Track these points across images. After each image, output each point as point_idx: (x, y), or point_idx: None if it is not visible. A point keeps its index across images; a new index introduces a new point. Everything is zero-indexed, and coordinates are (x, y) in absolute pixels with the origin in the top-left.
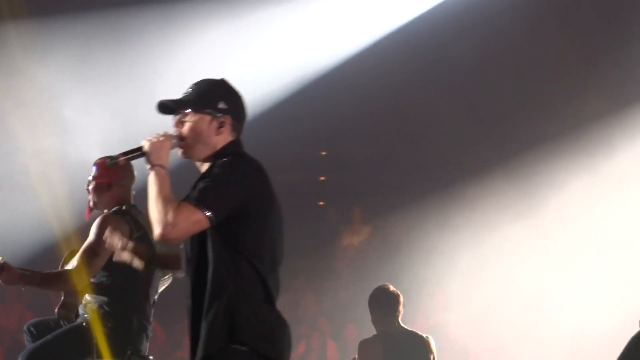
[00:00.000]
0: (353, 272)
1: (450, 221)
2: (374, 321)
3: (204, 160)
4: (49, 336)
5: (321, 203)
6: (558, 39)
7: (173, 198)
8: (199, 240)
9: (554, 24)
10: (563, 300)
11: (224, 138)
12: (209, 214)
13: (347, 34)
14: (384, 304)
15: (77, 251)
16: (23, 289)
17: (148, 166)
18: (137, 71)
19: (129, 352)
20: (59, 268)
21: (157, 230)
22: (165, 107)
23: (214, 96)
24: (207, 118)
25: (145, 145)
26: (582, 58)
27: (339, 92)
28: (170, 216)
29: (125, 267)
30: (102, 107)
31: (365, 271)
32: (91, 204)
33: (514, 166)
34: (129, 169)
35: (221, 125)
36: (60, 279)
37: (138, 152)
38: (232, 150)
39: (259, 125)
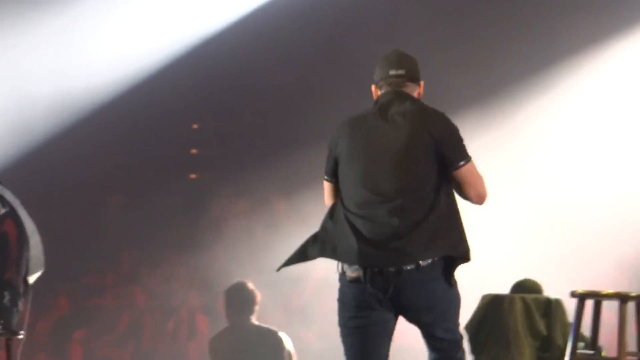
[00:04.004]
0: (226, 244)
1: None
2: (229, 317)
3: None
4: None
5: (193, 176)
6: None
7: None
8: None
9: None
10: None
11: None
12: None
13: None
14: (240, 302)
15: None
16: None
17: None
18: None
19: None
20: None
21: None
22: None
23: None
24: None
25: None
26: None
27: (212, 66)
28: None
29: None
30: None
31: (240, 244)
32: None
33: None
34: None
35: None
36: None
37: None
38: None
39: (129, 100)
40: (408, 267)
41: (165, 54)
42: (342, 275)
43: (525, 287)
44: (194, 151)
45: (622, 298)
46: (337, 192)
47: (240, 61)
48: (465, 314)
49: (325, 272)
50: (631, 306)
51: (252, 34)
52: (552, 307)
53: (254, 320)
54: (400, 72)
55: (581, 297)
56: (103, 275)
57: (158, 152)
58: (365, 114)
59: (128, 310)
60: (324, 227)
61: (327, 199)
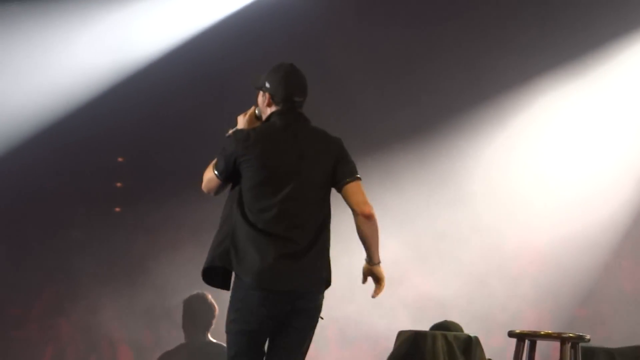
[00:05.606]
0: (152, 280)
1: None
2: (184, 327)
3: None
4: None
5: (117, 209)
6: None
7: None
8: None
9: None
10: None
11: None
12: None
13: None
14: (197, 314)
15: None
16: None
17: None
18: None
19: None
20: None
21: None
22: None
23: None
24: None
25: None
26: None
27: (137, 98)
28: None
29: None
30: None
31: (164, 277)
32: None
33: None
34: None
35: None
36: None
37: None
38: None
39: (57, 131)
40: (314, 292)
41: (90, 88)
42: (246, 282)
43: (446, 327)
44: (118, 184)
45: (562, 339)
46: (220, 189)
47: (165, 94)
48: (383, 350)
49: None
50: (569, 347)
51: (179, 67)
52: (472, 345)
53: (210, 336)
54: (303, 98)
55: (520, 337)
56: (28, 307)
57: (83, 185)
58: (270, 129)
59: (52, 342)
60: (232, 239)
61: (207, 188)
